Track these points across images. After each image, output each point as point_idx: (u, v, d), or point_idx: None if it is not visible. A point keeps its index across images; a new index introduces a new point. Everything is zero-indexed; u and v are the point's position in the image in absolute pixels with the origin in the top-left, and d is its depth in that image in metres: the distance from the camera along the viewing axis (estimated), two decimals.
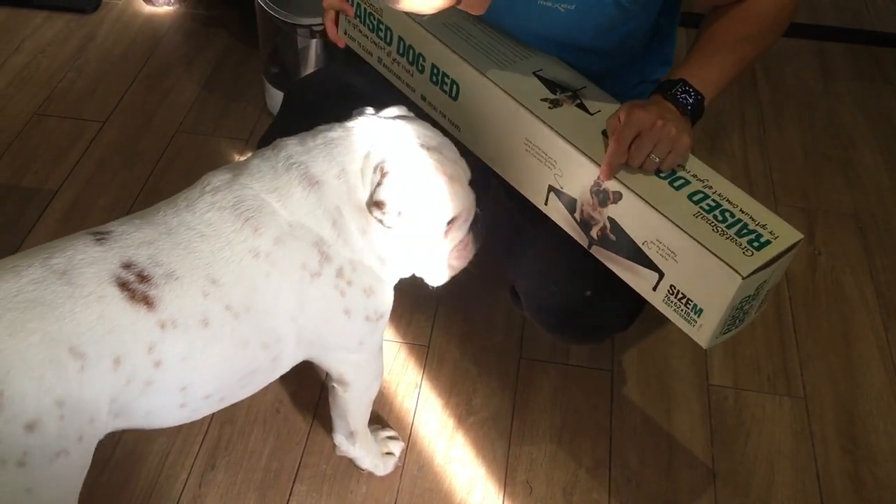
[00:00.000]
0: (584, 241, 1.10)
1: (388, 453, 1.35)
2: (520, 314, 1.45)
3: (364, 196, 1.03)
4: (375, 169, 1.02)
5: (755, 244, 0.97)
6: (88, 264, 0.91)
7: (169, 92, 2.02)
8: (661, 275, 1.02)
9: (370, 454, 1.32)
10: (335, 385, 1.21)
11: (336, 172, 1.02)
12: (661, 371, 1.51)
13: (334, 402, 1.25)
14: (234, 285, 0.96)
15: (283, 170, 1.02)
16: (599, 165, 1.02)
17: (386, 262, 1.07)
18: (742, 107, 2.09)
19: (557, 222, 1.12)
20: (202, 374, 0.97)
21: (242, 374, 1.02)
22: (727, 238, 0.97)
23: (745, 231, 0.98)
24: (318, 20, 1.75)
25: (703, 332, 1.00)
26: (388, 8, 1.22)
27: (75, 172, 1.80)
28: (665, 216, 0.98)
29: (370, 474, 1.33)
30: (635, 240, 1.02)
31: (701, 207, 1.00)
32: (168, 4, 2.25)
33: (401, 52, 1.25)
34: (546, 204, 1.12)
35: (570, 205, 1.09)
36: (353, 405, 1.24)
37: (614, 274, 1.08)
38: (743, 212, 1.00)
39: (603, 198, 1.04)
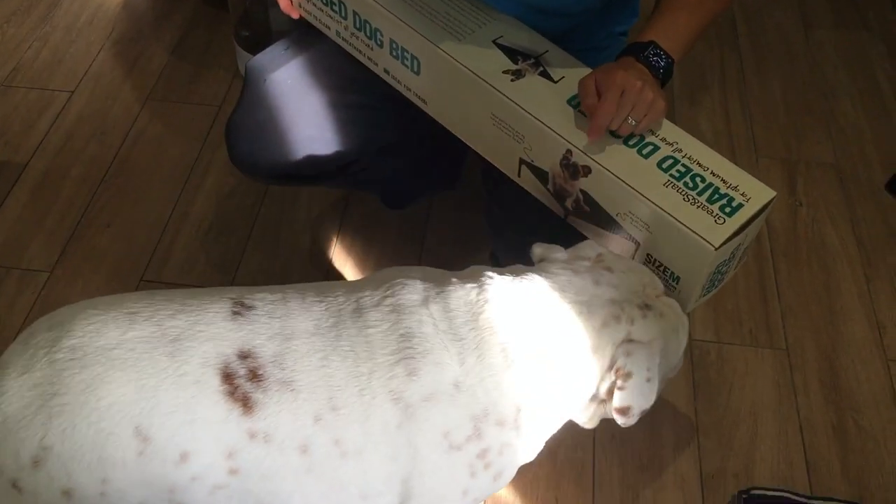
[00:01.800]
0: (559, 212, 1.08)
1: None
2: None
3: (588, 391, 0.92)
4: (613, 369, 0.90)
5: (727, 209, 0.96)
6: (205, 339, 0.81)
7: (138, 59, 1.97)
8: (637, 244, 1.01)
9: None
10: None
11: (595, 333, 0.89)
12: None
13: None
14: (355, 421, 0.83)
15: (486, 326, 0.87)
16: (567, 139, 1.00)
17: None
18: (722, 59, 2.07)
19: (533, 193, 1.10)
20: (283, 501, 0.85)
21: None
22: (698, 207, 0.96)
23: (716, 196, 0.97)
24: None
25: (682, 298, 1.00)
26: None
27: (44, 144, 1.76)
28: (635, 190, 0.97)
29: None
30: (609, 212, 1.01)
31: (671, 175, 0.98)
32: None
33: (357, 26, 1.20)
34: (519, 176, 1.10)
35: (542, 176, 1.07)
36: None
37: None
38: (714, 174, 0.99)
39: (573, 171, 1.02)
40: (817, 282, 1.60)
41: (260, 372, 0.81)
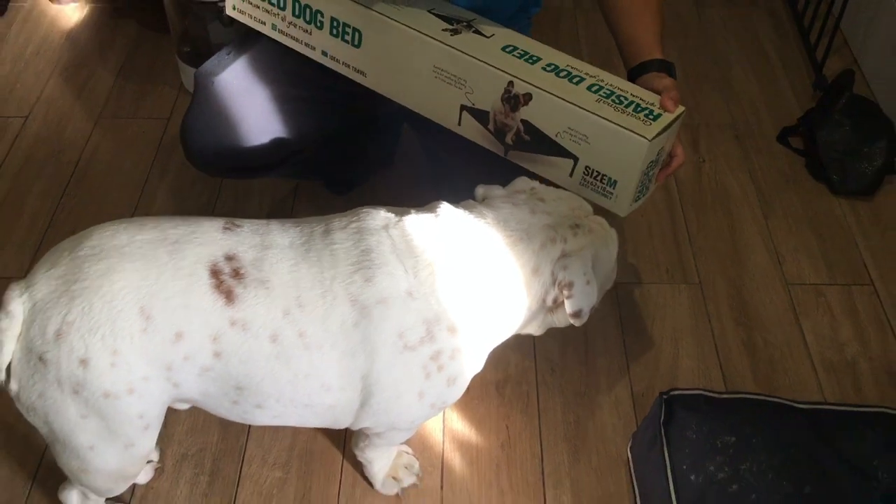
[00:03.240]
0: (500, 150, 1.25)
1: (394, 478, 1.32)
2: None
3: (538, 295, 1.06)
4: (555, 284, 1.05)
5: (651, 116, 1.15)
6: (199, 244, 0.97)
7: (86, 82, 2.10)
8: (576, 160, 1.18)
9: (380, 467, 1.30)
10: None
11: (533, 263, 1.04)
12: None
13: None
14: (317, 319, 0.97)
15: (440, 247, 1.02)
16: (508, 72, 1.18)
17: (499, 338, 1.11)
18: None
19: (472, 139, 1.27)
20: (257, 384, 1.00)
21: (297, 404, 1.03)
22: (628, 115, 1.15)
23: (639, 108, 1.16)
24: None
25: (619, 201, 1.18)
26: None
27: (5, 166, 1.88)
28: (574, 104, 1.15)
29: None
30: (548, 133, 1.18)
31: (600, 95, 1.17)
32: (73, 1, 2.32)
33: (296, 13, 1.35)
34: (459, 124, 1.27)
35: (483, 118, 1.23)
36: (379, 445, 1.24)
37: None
38: (633, 95, 1.18)
39: (514, 103, 1.19)
40: (722, 224, 1.79)
41: (242, 271, 0.97)
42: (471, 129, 1.26)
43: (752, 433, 1.22)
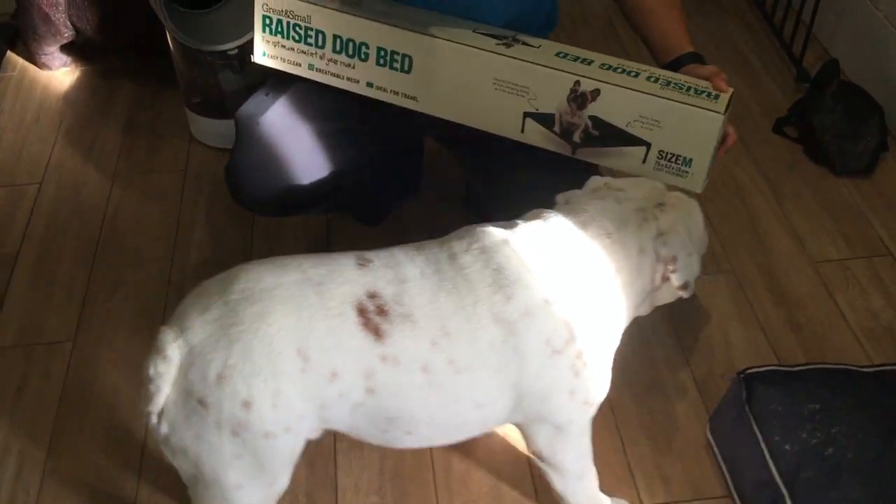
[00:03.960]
0: (567, 150, 1.30)
1: None
2: None
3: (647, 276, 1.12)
4: (659, 261, 1.12)
5: (711, 97, 1.23)
6: (341, 283, 0.99)
7: (93, 143, 2.09)
8: (648, 146, 1.25)
9: None
10: (542, 467, 1.20)
11: (615, 268, 1.09)
12: None
13: (549, 481, 1.23)
14: (464, 343, 1.00)
15: (560, 251, 1.07)
16: (573, 73, 1.24)
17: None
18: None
19: (536, 144, 1.32)
20: (409, 414, 1.03)
21: (448, 426, 1.07)
22: (692, 96, 1.22)
23: (699, 91, 1.24)
24: (233, 44, 1.89)
25: (695, 178, 1.25)
26: (316, 11, 1.35)
27: (29, 233, 1.86)
28: (643, 92, 1.22)
29: None
30: (619, 125, 1.25)
31: (660, 84, 1.24)
32: (64, 66, 2.31)
33: (337, 49, 1.38)
34: (522, 132, 1.32)
35: (548, 121, 1.29)
36: (568, 490, 1.22)
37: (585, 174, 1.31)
38: (687, 82, 1.26)
39: (582, 101, 1.25)
40: (741, 214, 1.88)
41: (385, 308, 0.99)
42: (535, 135, 1.32)
43: (832, 398, 1.29)
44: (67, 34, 2.18)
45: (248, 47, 1.88)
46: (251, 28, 1.88)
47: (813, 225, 1.85)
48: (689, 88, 1.25)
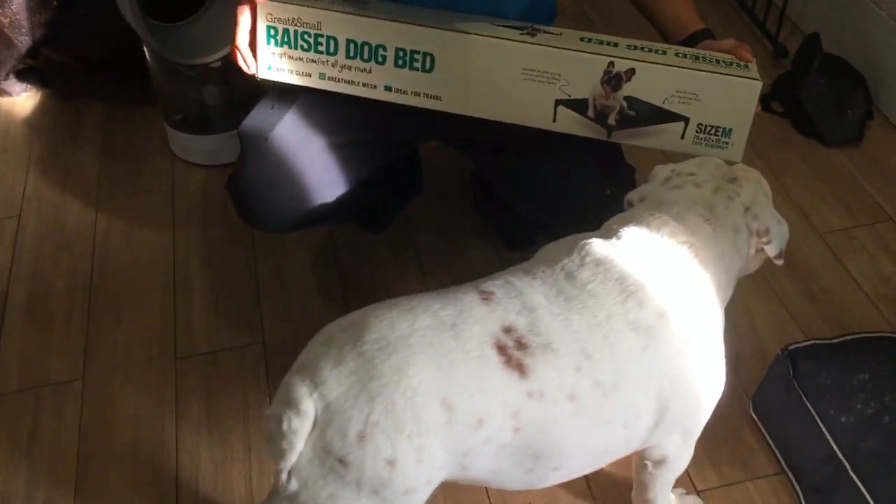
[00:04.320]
0: (602, 135, 1.29)
1: None
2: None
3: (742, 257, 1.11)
4: (753, 233, 1.10)
5: (742, 66, 1.23)
6: (474, 322, 0.93)
7: (69, 169, 1.99)
8: (687, 120, 1.24)
9: None
10: (647, 463, 1.17)
11: (720, 253, 1.07)
12: None
13: (639, 475, 1.22)
14: (607, 361, 0.96)
15: (668, 245, 1.04)
16: (605, 55, 1.23)
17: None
18: None
19: (569, 132, 1.29)
20: (558, 447, 0.98)
21: (595, 453, 1.02)
22: (726, 67, 1.22)
23: (728, 63, 1.24)
24: (215, 56, 1.82)
25: (735, 148, 1.25)
26: (326, 17, 1.29)
27: (15, 270, 1.75)
28: (679, 67, 1.22)
29: None
30: (655, 103, 1.24)
31: (689, 58, 1.24)
32: (25, 90, 2.20)
33: (351, 55, 1.32)
34: (555, 121, 1.29)
35: (582, 107, 1.27)
36: (660, 480, 1.21)
37: (619, 166, 1.32)
38: (713, 55, 1.26)
39: (617, 82, 1.24)
40: None
41: (524, 341, 0.94)
42: (568, 122, 1.30)
43: (878, 367, 1.31)
44: (29, 58, 2.07)
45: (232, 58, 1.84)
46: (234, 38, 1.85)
47: (813, 197, 1.88)
48: (717, 61, 1.25)
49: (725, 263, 1.10)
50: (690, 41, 1.35)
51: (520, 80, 1.28)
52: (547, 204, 1.41)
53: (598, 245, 1.04)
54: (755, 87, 1.22)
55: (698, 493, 1.36)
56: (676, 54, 1.27)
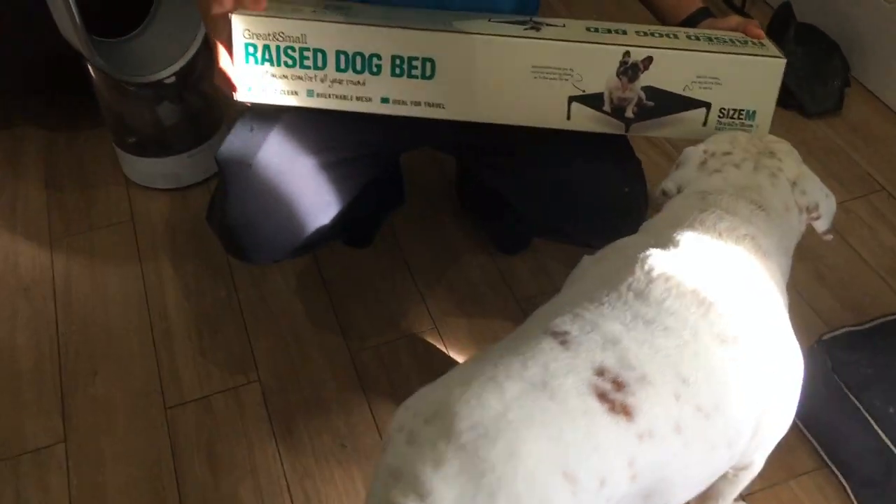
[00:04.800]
0: (619, 129, 1.21)
1: None
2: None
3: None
4: (803, 209, 1.06)
5: (758, 44, 1.18)
6: (564, 374, 0.83)
7: (13, 205, 1.82)
8: (709, 106, 1.17)
9: None
10: (729, 470, 1.08)
11: (778, 238, 1.02)
12: None
13: (718, 484, 1.14)
14: (703, 382, 0.88)
15: (730, 241, 0.97)
16: (620, 44, 1.14)
17: None
18: None
19: (583, 129, 1.21)
20: (668, 483, 0.89)
21: (703, 479, 0.95)
22: (741, 46, 1.16)
23: (743, 41, 1.18)
24: (169, 71, 1.67)
25: (761, 130, 1.18)
26: (313, 28, 1.17)
27: None
28: (698, 51, 1.15)
29: None
30: (675, 91, 1.17)
31: (703, 41, 1.17)
32: None
33: (342, 67, 1.20)
34: (569, 119, 1.21)
35: (597, 101, 1.19)
36: (739, 486, 1.14)
37: (631, 161, 1.28)
38: (724, 34, 1.20)
39: (634, 72, 1.16)
40: None
41: (619, 380, 0.84)
42: (582, 119, 1.21)
43: None
44: None
45: (189, 70, 1.70)
46: (187, 49, 1.70)
47: None
48: (732, 41, 1.18)
49: (784, 246, 1.04)
50: (690, 22, 1.28)
51: (529, 79, 1.19)
52: (564, 206, 1.33)
53: (659, 257, 0.95)
54: (780, 65, 1.16)
55: (742, 498, 1.31)
56: (689, 37, 1.19)
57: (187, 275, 1.67)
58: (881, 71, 2.00)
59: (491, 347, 0.91)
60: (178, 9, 1.71)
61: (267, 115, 1.30)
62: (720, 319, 0.90)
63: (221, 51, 1.16)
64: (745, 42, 1.19)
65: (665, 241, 0.98)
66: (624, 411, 0.83)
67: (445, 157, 1.78)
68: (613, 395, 0.83)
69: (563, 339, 0.87)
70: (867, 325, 1.35)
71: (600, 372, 0.84)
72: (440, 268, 1.67)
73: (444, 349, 1.53)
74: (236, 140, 1.32)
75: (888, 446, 1.20)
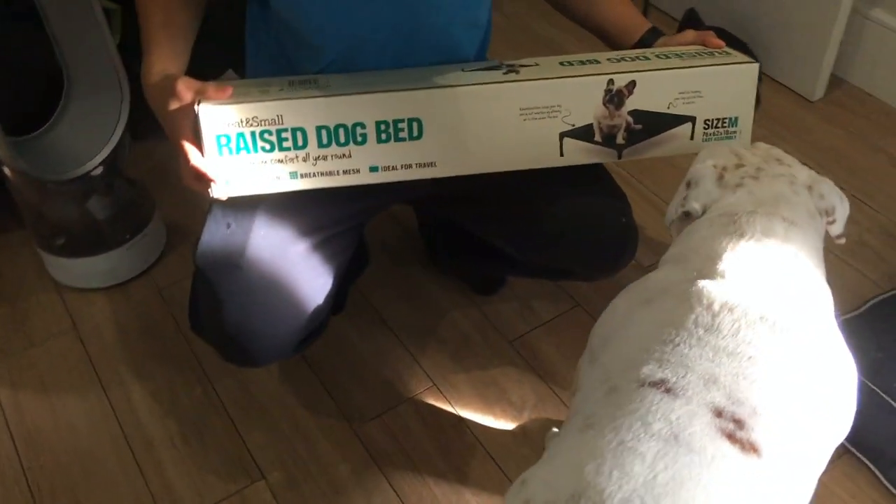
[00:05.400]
0: (612, 157, 1.21)
1: None
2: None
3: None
4: (823, 213, 1.05)
5: (724, 54, 1.22)
6: (689, 422, 0.80)
7: None
8: (694, 120, 1.19)
9: None
10: None
11: (813, 247, 1.00)
12: None
13: None
14: (791, 399, 0.87)
15: (776, 263, 0.96)
16: (602, 73, 1.15)
17: None
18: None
19: (578, 163, 1.20)
20: None
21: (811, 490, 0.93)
22: (713, 57, 1.20)
23: (710, 53, 1.22)
24: (94, 163, 1.54)
25: (743, 135, 1.22)
26: (288, 107, 1.09)
27: None
28: (676, 69, 1.17)
29: None
30: (660, 110, 1.18)
31: (676, 56, 1.20)
32: None
33: (325, 142, 1.13)
34: (562, 155, 1.19)
35: (587, 133, 1.19)
36: None
37: (618, 190, 1.30)
38: (688, 49, 1.24)
39: (619, 99, 1.16)
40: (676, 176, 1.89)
41: (737, 417, 0.82)
42: (575, 153, 1.20)
43: None
44: None
45: (115, 157, 1.57)
46: (110, 134, 1.58)
47: None
48: (700, 54, 1.21)
49: (818, 253, 1.04)
50: (644, 43, 1.29)
51: (519, 122, 1.17)
52: (566, 248, 1.30)
53: (713, 288, 0.93)
54: (755, 70, 1.20)
55: None
56: (659, 57, 1.21)
57: (153, 377, 1.53)
58: (789, 62, 2.10)
59: (573, 417, 0.87)
60: (92, 93, 1.58)
61: (241, 206, 1.20)
62: (796, 338, 0.90)
63: (189, 148, 1.05)
64: (712, 53, 1.22)
65: (710, 273, 0.96)
66: (752, 449, 0.81)
67: (400, 208, 1.74)
68: (739, 433, 0.81)
69: (665, 387, 0.84)
70: (862, 309, 1.39)
71: (718, 413, 0.82)
72: (422, 322, 1.61)
73: (449, 406, 1.47)
74: (215, 240, 1.21)
75: None
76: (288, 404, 1.48)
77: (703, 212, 1.07)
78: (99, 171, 1.56)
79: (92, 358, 1.57)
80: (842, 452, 1.37)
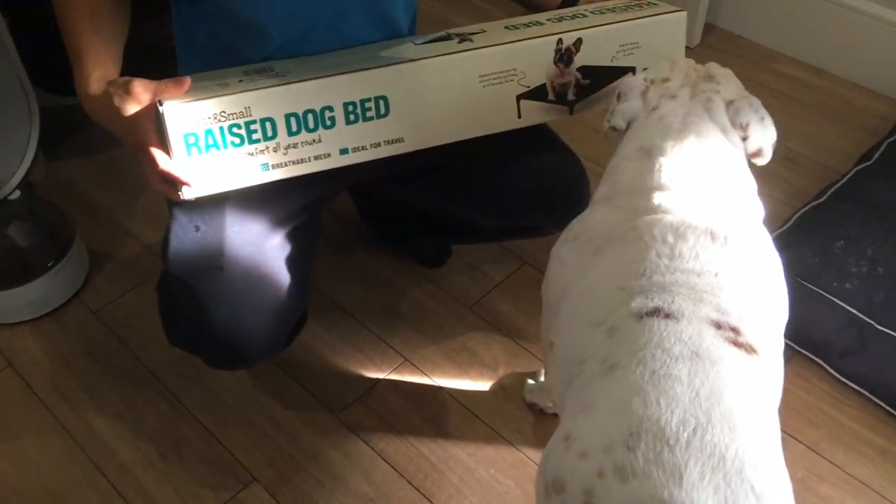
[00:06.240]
0: (564, 113, 1.27)
1: None
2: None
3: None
4: (737, 127, 1.07)
5: (652, 5, 1.31)
6: (699, 339, 0.85)
7: None
8: (634, 70, 1.28)
9: None
10: None
11: (721, 130, 1.06)
12: None
13: None
14: (757, 299, 0.94)
15: (698, 187, 1.00)
16: (550, 33, 1.20)
17: None
18: None
19: (534, 123, 1.26)
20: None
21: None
22: (643, 10, 1.29)
23: (639, 6, 1.31)
24: (10, 186, 1.44)
25: None
26: (256, 98, 1.06)
27: None
28: (615, 23, 1.24)
29: None
30: (605, 64, 1.26)
31: (609, 12, 1.28)
32: None
33: (294, 130, 1.11)
34: (520, 117, 1.24)
35: (541, 93, 1.24)
36: None
37: (563, 144, 1.36)
38: (618, 3, 1.33)
39: (568, 56, 1.23)
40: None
41: (731, 326, 0.88)
42: (532, 114, 1.25)
43: (843, 230, 1.45)
44: None
45: (32, 180, 1.48)
46: (24, 152, 1.48)
47: None
48: (629, 7, 1.30)
49: (738, 165, 1.07)
50: (571, 2, 1.36)
51: (479, 89, 1.20)
52: (537, 203, 1.34)
53: (658, 222, 0.97)
54: (683, 17, 1.29)
55: None
56: (594, 13, 1.28)
57: (109, 401, 1.45)
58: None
59: (573, 367, 0.91)
60: None
61: (206, 207, 1.16)
62: (741, 246, 0.96)
63: (156, 152, 1.01)
64: (641, 6, 1.30)
65: (648, 209, 1.00)
66: (752, 350, 0.87)
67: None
68: (739, 339, 0.87)
69: (663, 313, 0.88)
70: (789, 224, 1.52)
71: (717, 325, 0.87)
72: (381, 302, 1.61)
73: (426, 378, 1.48)
74: (186, 245, 1.17)
75: (858, 316, 1.37)
76: (263, 404, 1.45)
77: (628, 127, 1.11)
78: (16, 194, 1.46)
79: (38, 395, 1.47)
80: (792, 354, 1.48)
